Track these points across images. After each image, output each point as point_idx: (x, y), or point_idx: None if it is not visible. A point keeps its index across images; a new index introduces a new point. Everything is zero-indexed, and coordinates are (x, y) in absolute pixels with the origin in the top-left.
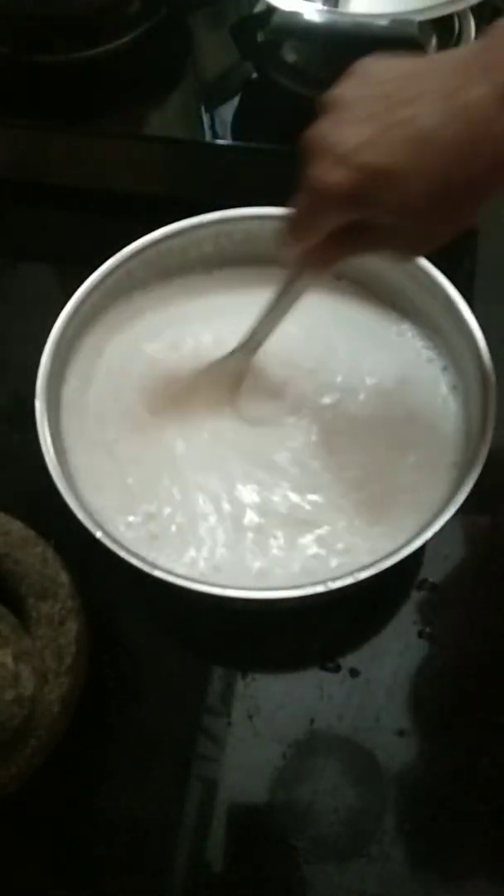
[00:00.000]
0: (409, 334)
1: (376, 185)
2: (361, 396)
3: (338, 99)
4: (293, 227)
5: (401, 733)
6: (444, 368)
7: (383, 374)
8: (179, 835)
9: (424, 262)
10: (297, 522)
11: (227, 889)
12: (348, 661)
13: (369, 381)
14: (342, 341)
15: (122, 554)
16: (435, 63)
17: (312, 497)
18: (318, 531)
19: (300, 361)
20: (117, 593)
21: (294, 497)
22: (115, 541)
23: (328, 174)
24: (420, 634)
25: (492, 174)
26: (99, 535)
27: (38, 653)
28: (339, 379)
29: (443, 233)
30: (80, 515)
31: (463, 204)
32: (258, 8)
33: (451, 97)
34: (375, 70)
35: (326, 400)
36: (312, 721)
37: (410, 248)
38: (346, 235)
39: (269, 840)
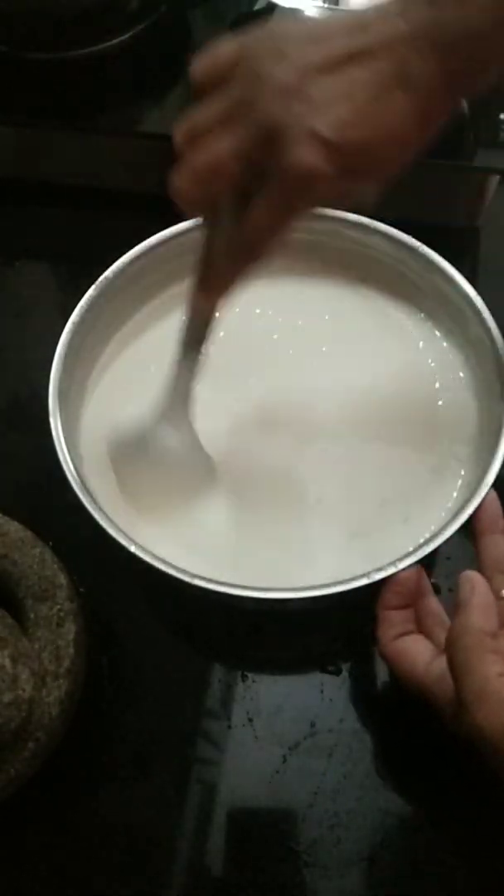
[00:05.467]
0: (423, 320)
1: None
2: (380, 391)
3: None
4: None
5: (403, 737)
6: (461, 357)
7: (396, 365)
8: (179, 838)
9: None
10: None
11: (226, 892)
12: (349, 663)
13: (385, 372)
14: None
15: (160, 566)
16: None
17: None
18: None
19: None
20: (116, 595)
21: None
22: (149, 553)
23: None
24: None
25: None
26: (133, 548)
27: (36, 655)
28: (355, 373)
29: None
30: (112, 531)
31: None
32: (258, 5)
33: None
34: (281, 31)
35: (345, 395)
36: (313, 724)
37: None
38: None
39: (270, 843)
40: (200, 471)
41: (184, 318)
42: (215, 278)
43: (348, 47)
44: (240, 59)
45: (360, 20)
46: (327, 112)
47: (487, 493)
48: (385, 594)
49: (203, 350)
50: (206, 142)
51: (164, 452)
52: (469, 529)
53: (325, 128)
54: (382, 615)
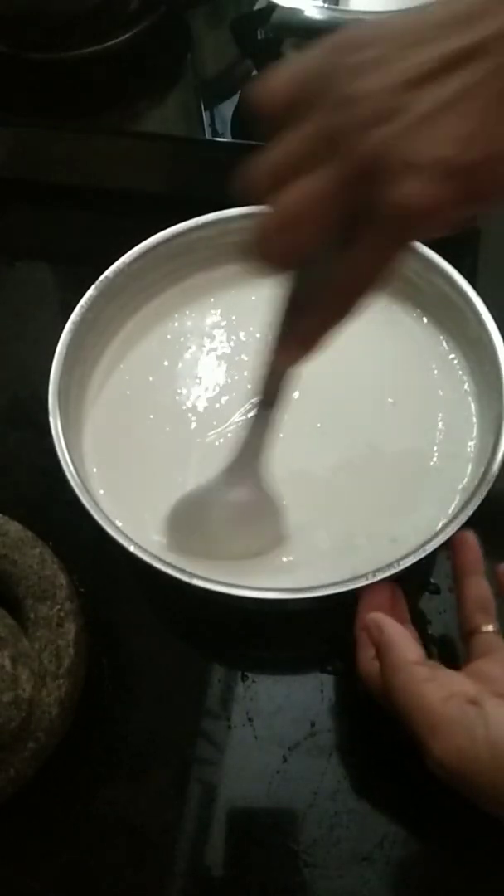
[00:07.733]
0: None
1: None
2: (381, 391)
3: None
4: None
5: (403, 736)
6: (461, 358)
7: (397, 364)
8: (179, 838)
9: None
10: (318, 524)
11: (226, 892)
12: (350, 663)
13: (385, 372)
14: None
15: (159, 566)
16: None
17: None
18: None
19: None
20: (116, 595)
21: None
22: (149, 553)
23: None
24: (421, 637)
25: None
26: (133, 548)
27: (36, 655)
28: (354, 372)
29: None
30: (111, 531)
31: None
32: (258, 5)
33: None
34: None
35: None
36: (313, 724)
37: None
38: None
39: (269, 843)
40: (271, 518)
41: (259, 375)
42: (303, 335)
43: (451, 48)
44: (319, 77)
45: (457, 14)
46: (438, 131)
47: (465, 536)
48: (359, 613)
49: (279, 405)
50: (292, 185)
51: (233, 511)
52: (451, 572)
53: (438, 151)
54: (357, 636)
